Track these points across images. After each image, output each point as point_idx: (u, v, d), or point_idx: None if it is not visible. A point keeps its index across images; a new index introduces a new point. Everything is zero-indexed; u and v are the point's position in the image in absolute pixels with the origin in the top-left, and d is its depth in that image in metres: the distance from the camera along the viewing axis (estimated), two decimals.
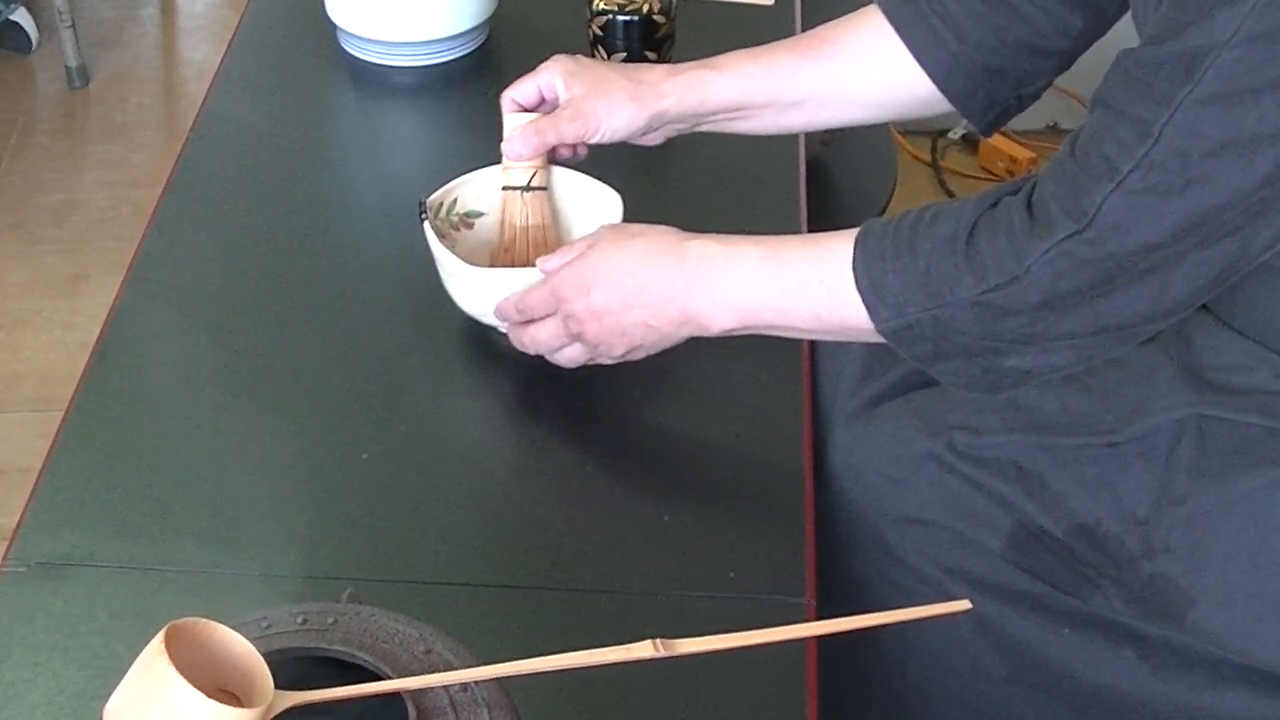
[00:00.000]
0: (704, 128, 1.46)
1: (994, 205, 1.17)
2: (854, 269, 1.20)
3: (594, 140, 1.42)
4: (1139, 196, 1.09)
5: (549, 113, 1.43)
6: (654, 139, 1.46)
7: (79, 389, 1.38)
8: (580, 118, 1.41)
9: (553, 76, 1.43)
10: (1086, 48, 1.40)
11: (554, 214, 1.44)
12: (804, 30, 1.80)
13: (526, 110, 1.44)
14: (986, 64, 1.39)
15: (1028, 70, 1.40)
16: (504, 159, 1.43)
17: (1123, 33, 1.26)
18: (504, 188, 1.43)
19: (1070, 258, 1.12)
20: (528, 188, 1.42)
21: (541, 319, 1.33)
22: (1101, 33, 1.39)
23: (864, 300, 1.20)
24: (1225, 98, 1.06)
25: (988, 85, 1.41)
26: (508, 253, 1.42)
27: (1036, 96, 1.43)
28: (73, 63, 3.33)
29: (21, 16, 3.37)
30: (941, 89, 1.41)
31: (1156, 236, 1.10)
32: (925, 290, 1.17)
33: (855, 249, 1.21)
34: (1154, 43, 1.09)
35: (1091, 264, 1.12)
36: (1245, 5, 1.03)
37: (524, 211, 1.41)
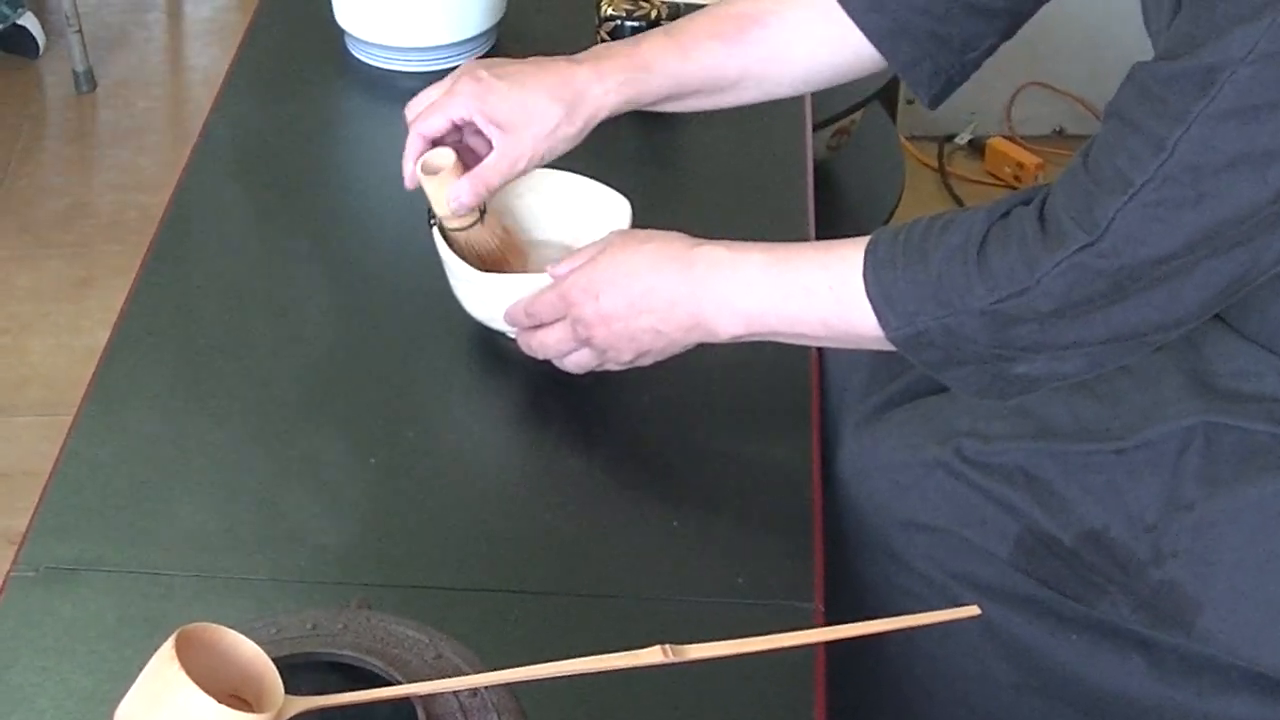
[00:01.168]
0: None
1: (1006, 215, 1.17)
2: (864, 276, 1.20)
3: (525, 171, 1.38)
4: (1152, 209, 1.10)
5: (461, 138, 1.39)
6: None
7: (87, 393, 1.38)
8: (511, 158, 1.36)
9: (466, 107, 1.36)
10: (1034, 9, 1.39)
11: (563, 228, 1.43)
12: None
13: (437, 141, 1.38)
14: (931, 30, 1.38)
15: (972, 33, 1.39)
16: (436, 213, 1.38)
17: (1135, 37, 1.25)
18: (448, 231, 1.39)
19: (1082, 269, 1.12)
20: (469, 227, 1.38)
21: (550, 324, 1.33)
22: None
23: (874, 308, 1.20)
24: (1240, 113, 1.06)
25: (933, 51, 1.40)
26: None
27: (978, 64, 1.42)
28: (80, 67, 3.34)
29: (29, 21, 3.37)
30: (888, 58, 1.40)
31: (1169, 248, 1.10)
32: (936, 298, 1.17)
33: (865, 256, 1.21)
34: (1169, 57, 1.10)
35: (1104, 275, 1.12)
36: (1262, 23, 1.04)
37: (482, 242, 1.39)
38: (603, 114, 1.39)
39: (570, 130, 1.37)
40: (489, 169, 1.36)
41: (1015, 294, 1.14)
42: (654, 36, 1.43)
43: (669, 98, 1.42)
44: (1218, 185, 1.08)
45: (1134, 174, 1.10)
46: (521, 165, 1.36)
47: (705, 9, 1.44)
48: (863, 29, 1.40)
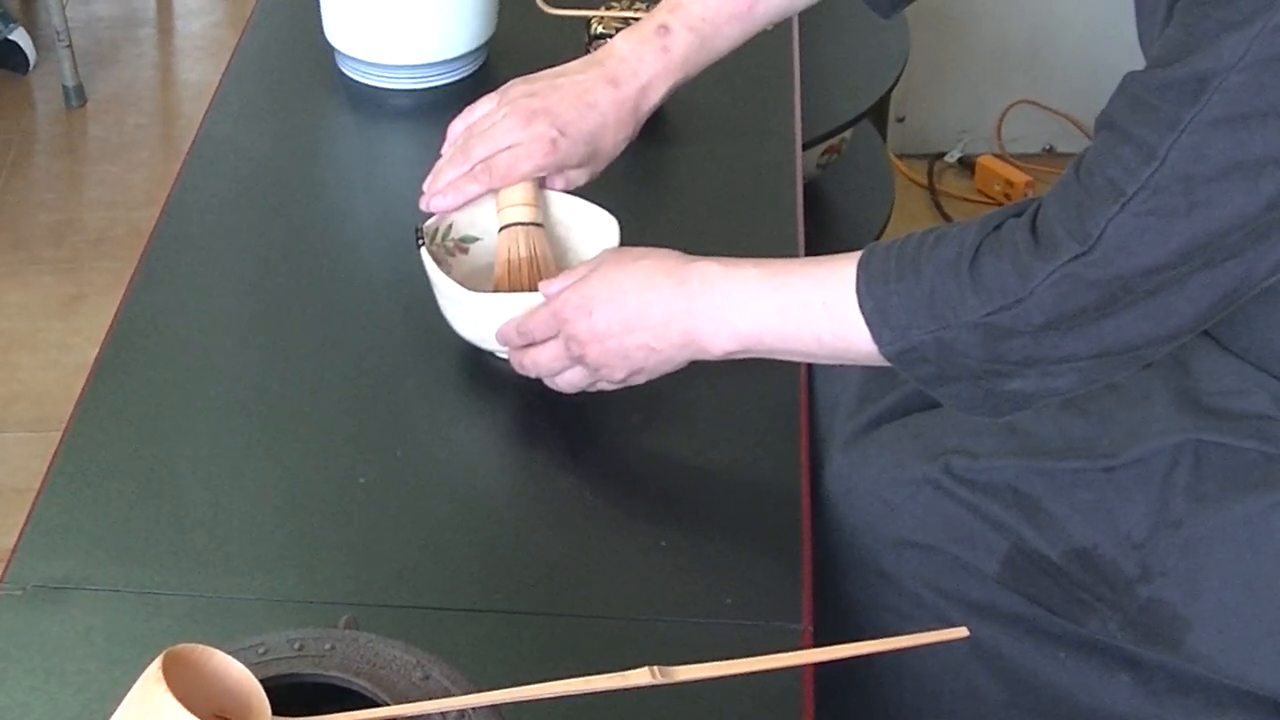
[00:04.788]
0: None
1: (998, 227, 1.17)
2: (857, 291, 1.20)
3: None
4: (1143, 219, 1.09)
5: None
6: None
7: (76, 411, 1.38)
8: (587, 175, 1.46)
9: (543, 167, 1.43)
10: None
11: (551, 245, 1.44)
12: (801, 51, 1.81)
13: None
14: None
15: None
16: (499, 199, 1.43)
17: (1126, 55, 1.26)
18: (502, 227, 1.43)
19: (1074, 279, 1.12)
20: (524, 224, 1.42)
21: (543, 342, 1.33)
22: None
23: (867, 322, 1.20)
24: (1231, 121, 1.06)
25: None
26: (509, 284, 1.42)
27: None
28: (70, 82, 3.34)
29: (20, 36, 3.37)
30: None
31: (1161, 259, 1.10)
32: (929, 312, 1.17)
33: (858, 271, 1.21)
34: (1160, 65, 1.10)
35: (1095, 286, 1.12)
36: (1253, 29, 1.03)
37: (526, 244, 1.41)
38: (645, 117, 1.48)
39: (629, 142, 1.48)
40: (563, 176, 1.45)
41: (1008, 306, 1.14)
42: (678, 30, 1.47)
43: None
44: (1210, 194, 1.08)
45: (1125, 183, 1.10)
46: (593, 174, 1.47)
47: None
48: None
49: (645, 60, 1.46)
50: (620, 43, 1.47)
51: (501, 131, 1.43)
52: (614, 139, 1.46)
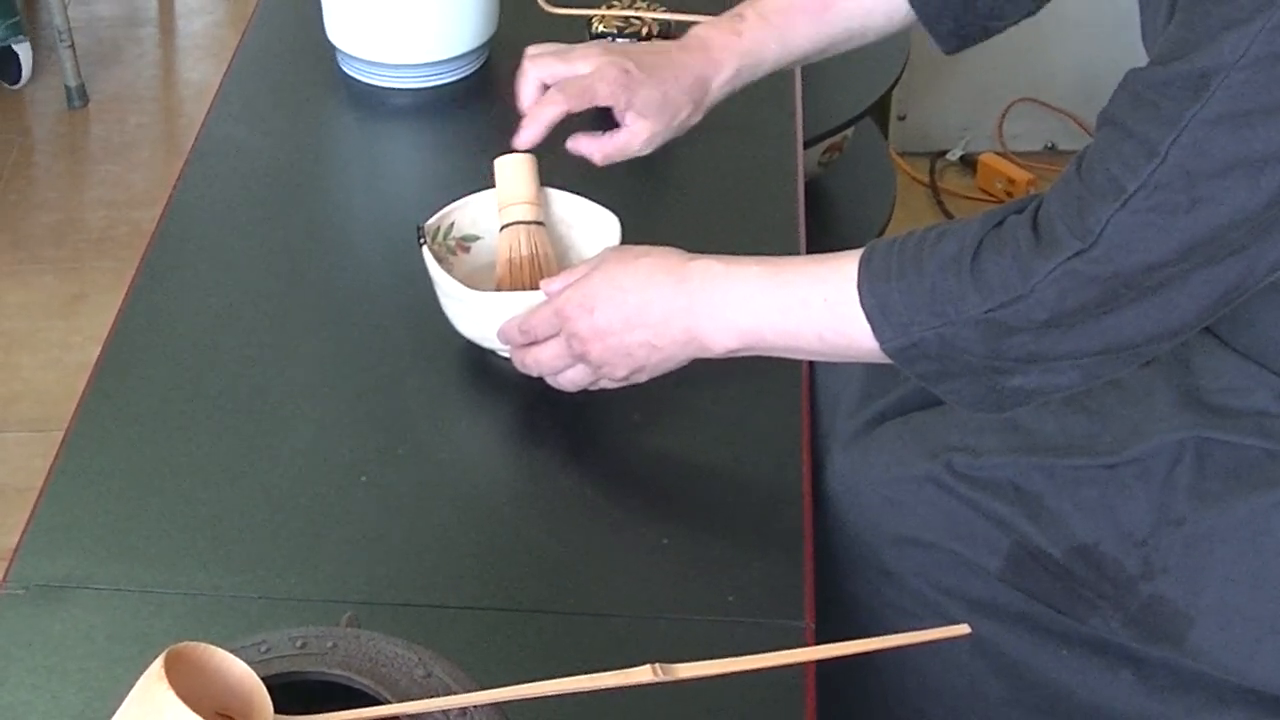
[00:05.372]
0: None
1: (999, 224, 1.17)
2: (859, 288, 1.20)
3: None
4: (1145, 215, 1.09)
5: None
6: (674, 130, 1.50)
7: (78, 410, 1.38)
8: (641, 139, 1.48)
9: (613, 96, 1.44)
10: None
11: (553, 244, 1.44)
12: None
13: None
14: None
15: (995, 6, 1.45)
16: (500, 197, 1.43)
17: (1128, 53, 1.26)
18: (503, 226, 1.43)
19: (1076, 276, 1.12)
20: (526, 223, 1.42)
21: (545, 340, 1.33)
22: None
23: (869, 319, 1.20)
24: (1233, 118, 1.06)
25: (958, 12, 1.46)
26: (511, 282, 1.42)
27: (1002, 30, 1.49)
28: (72, 82, 3.34)
29: (22, 49, 3.35)
30: (914, 8, 1.47)
31: (1162, 255, 1.10)
32: (930, 309, 1.17)
33: (860, 268, 1.21)
34: (1162, 62, 1.10)
35: (1097, 282, 1.12)
36: (1254, 26, 1.04)
37: (527, 242, 1.41)
38: (716, 102, 1.49)
39: (693, 120, 1.50)
40: (616, 144, 1.47)
41: (1009, 302, 1.14)
42: (751, 19, 1.49)
43: (766, 76, 1.51)
44: (1211, 191, 1.08)
45: (1127, 180, 1.10)
46: (641, 147, 1.47)
47: None
48: None
49: (714, 39, 1.48)
50: (697, 27, 1.51)
51: (577, 58, 1.46)
52: (681, 101, 1.46)
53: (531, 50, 1.50)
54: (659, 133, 1.47)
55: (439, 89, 1.77)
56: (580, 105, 1.44)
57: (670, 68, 1.47)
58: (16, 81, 3.38)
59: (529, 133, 1.44)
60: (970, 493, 1.34)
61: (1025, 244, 1.14)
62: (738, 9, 1.50)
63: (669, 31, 1.69)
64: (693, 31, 1.50)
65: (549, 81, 1.46)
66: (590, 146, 1.47)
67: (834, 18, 1.49)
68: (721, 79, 1.48)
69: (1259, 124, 1.05)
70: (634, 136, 1.47)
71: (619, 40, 1.68)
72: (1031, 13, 1.46)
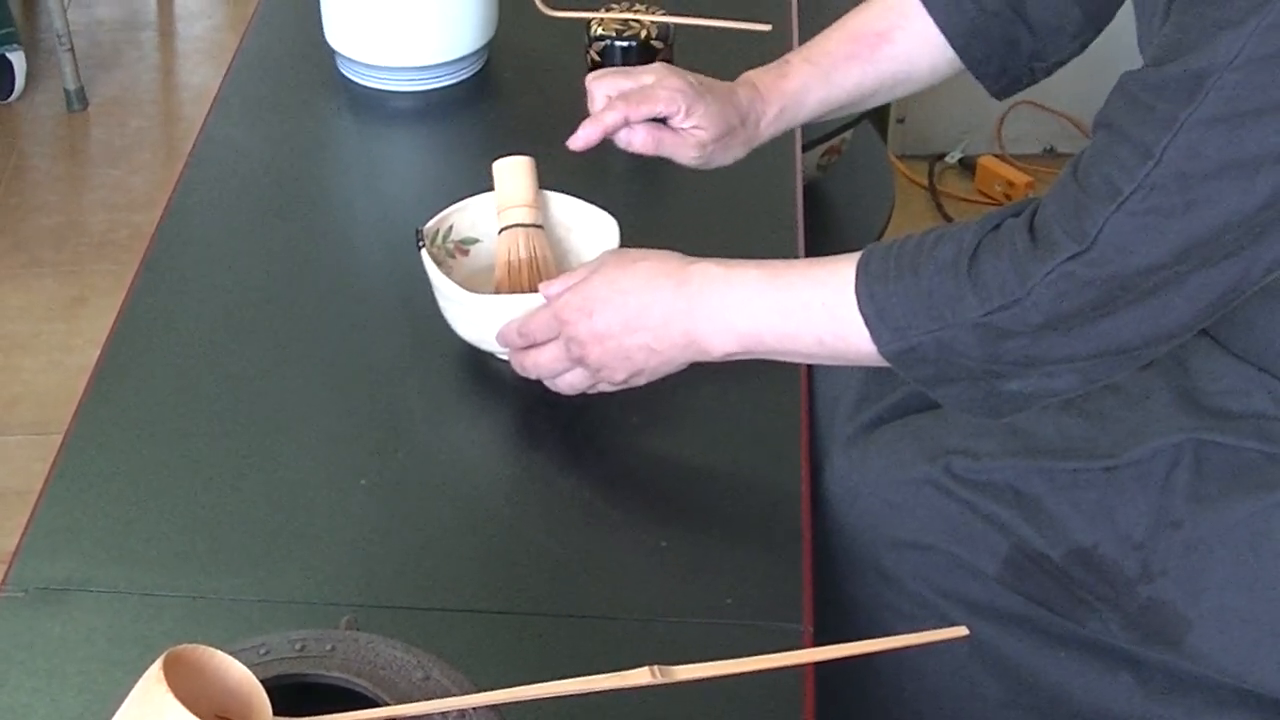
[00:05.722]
0: None
1: (996, 227, 1.17)
2: (856, 291, 1.20)
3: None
4: (1140, 218, 1.09)
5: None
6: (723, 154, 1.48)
7: (77, 413, 1.38)
8: (686, 150, 1.45)
9: (677, 104, 1.43)
10: (1098, 32, 1.44)
11: (552, 247, 1.44)
12: None
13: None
14: (1004, 34, 1.44)
15: (1042, 46, 1.45)
16: (499, 200, 1.44)
17: (1126, 55, 1.26)
18: (502, 229, 1.43)
19: (1072, 279, 1.12)
20: (525, 226, 1.42)
21: (543, 343, 1.33)
22: (1111, 16, 1.43)
23: (866, 322, 1.20)
24: (1227, 119, 1.06)
25: (1002, 53, 1.46)
26: (510, 285, 1.42)
27: (1049, 72, 1.48)
28: (71, 86, 3.34)
29: (16, 57, 3.34)
30: (959, 54, 1.46)
31: (1158, 257, 1.10)
32: (928, 312, 1.17)
33: (858, 272, 1.21)
34: (1156, 64, 1.10)
35: (1093, 285, 1.12)
36: (1248, 27, 1.04)
37: (526, 246, 1.42)
38: (760, 142, 1.49)
39: (737, 153, 1.48)
40: (671, 140, 1.44)
41: (1006, 305, 1.14)
42: (796, 63, 1.49)
43: (810, 120, 1.51)
44: (1206, 192, 1.08)
45: (1122, 182, 1.10)
46: (692, 153, 1.45)
47: (837, 24, 1.51)
48: (940, 26, 1.45)
49: (762, 79, 1.48)
50: (747, 72, 1.49)
51: (640, 72, 1.46)
52: (735, 123, 1.45)
53: (593, 75, 1.50)
54: (710, 145, 1.44)
55: (438, 92, 1.77)
56: (641, 111, 1.42)
57: (728, 92, 1.46)
58: (9, 95, 3.36)
59: (587, 132, 1.43)
60: (969, 495, 1.34)
61: (1022, 247, 1.14)
62: (785, 56, 1.50)
63: (668, 35, 1.69)
64: (743, 76, 1.49)
65: (612, 94, 1.45)
66: (642, 135, 1.43)
67: (880, 62, 1.48)
68: (769, 118, 1.47)
69: (1253, 125, 1.05)
70: (687, 138, 1.44)
71: (617, 43, 1.67)
72: (1076, 53, 1.45)
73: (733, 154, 1.47)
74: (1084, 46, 1.45)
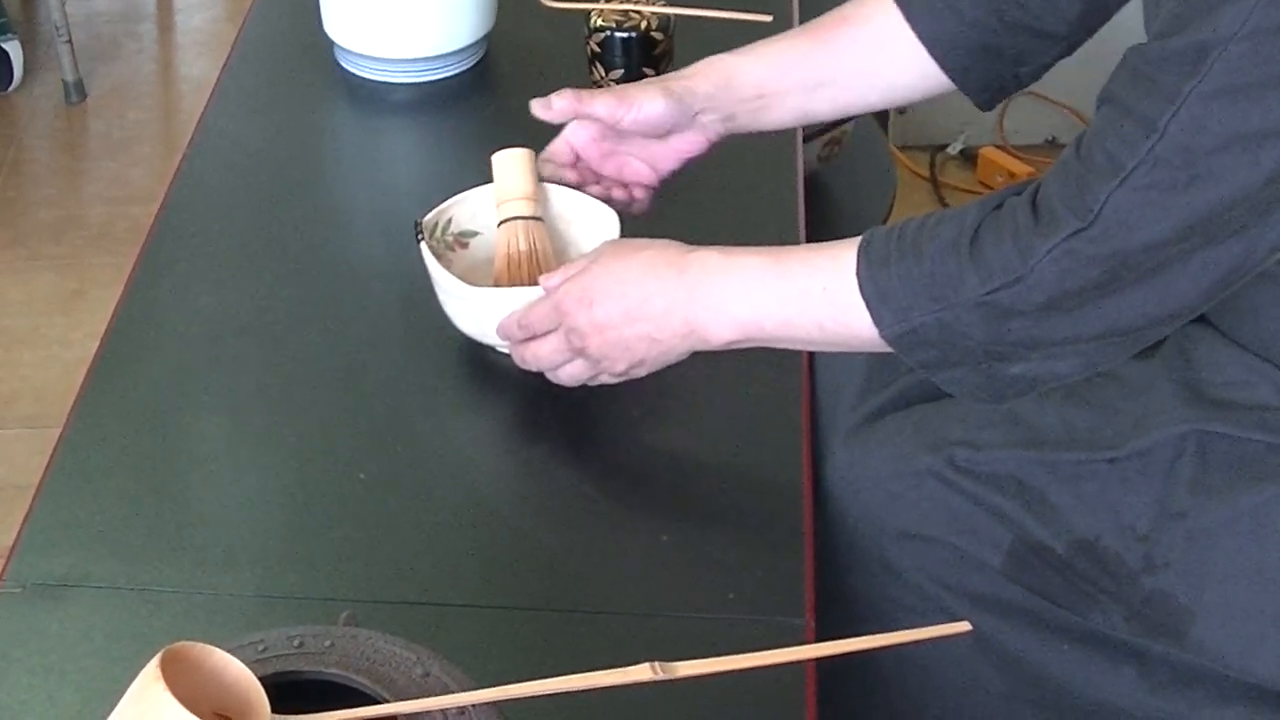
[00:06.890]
0: (737, 125, 1.46)
1: (998, 207, 1.17)
2: (858, 275, 1.19)
3: (628, 119, 1.41)
4: (1144, 193, 1.09)
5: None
6: (695, 143, 1.46)
7: (75, 407, 1.37)
8: (615, 95, 1.41)
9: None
10: (1089, 34, 1.41)
11: (551, 239, 1.44)
12: None
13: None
14: (984, 43, 1.40)
15: (1025, 50, 1.41)
16: (498, 193, 1.43)
17: (1130, 33, 1.25)
18: (501, 221, 1.43)
19: (1075, 255, 1.11)
20: (524, 218, 1.42)
21: (544, 335, 1.33)
22: (1104, 19, 1.39)
23: (868, 306, 1.19)
24: (1231, 92, 1.05)
25: (984, 63, 1.41)
26: (509, 278, 1.42)
27: (1036, 76, 1.44)
28: (70, 78, 3.33)
29: (12, 48, 3.33)
30: (940, 64, 1.41)
31: (1161, 234, 1.09)
32: (930, 293, 1.16)
33: (859, 255, 1.20)
34: (1160, 38, 1.09)
35: (1096, 261, 1.11)
36: (1251, 0, 1.03)
37: (526, 238, 1.41)
38: (697, 86, 1.43)
39: (668, 98, 1.42)
40: (593, 93, 1.42)
41: (1009, 284, 1.13)
42: (746, 47, 1.46)
43: (763, 93, 1.44)
44: (1210, 167, 1.07)
45: (1125, 157, 1.09)
46: (620, 105, 1.41)
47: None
48: (918, 34, 1.41)
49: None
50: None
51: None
52: (646, 89, 1.43)
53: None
54: (632, 90, 1.42)
55: (437, 84, 1.77)
56: (583, 106, 1.42)
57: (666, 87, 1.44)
58: (7, 87, 3.35)
59: (558, 103, 1.43)
60: (972, 487, 1.34)
61: (1024, 224, 1.13)
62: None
63: (668, 26, 1.68)
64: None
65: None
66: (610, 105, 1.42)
67: (836, 43, 1.44)
68: (699, 66, 1.44)
69: (1258, 98, 1.05)
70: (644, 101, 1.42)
71: (617, 35, 1.67)
72: (1062, 55, 1.42)
73: (690, 141, 1.45)
74: (1073, 47, 1.43)
